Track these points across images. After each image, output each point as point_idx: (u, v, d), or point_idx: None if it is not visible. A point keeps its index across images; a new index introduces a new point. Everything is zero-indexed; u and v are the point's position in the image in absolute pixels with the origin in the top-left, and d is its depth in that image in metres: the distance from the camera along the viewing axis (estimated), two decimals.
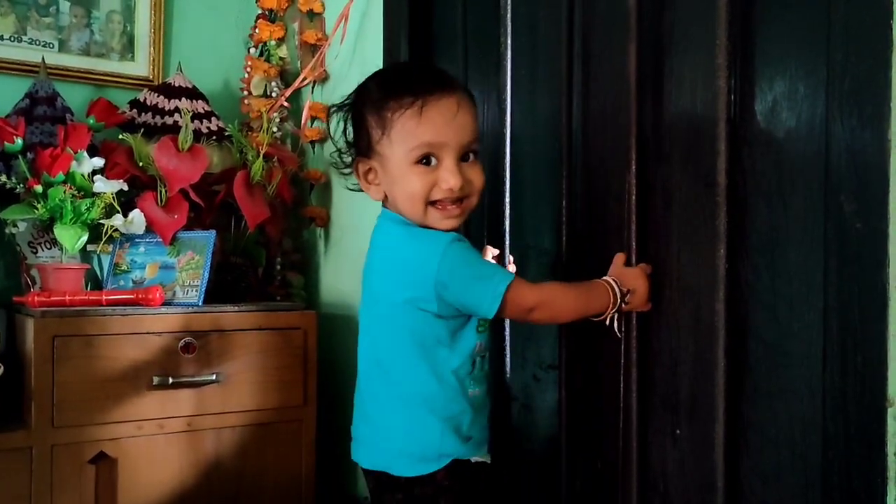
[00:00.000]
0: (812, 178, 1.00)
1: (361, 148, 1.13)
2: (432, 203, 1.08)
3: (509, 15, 1.42)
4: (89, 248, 1.73)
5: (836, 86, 0.96)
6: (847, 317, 0.94)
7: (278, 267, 2.01)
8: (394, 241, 1.12)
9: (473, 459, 1.14)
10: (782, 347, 1.04)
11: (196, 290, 1.65)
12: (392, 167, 1.09)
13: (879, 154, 0.90)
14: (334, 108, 1.18)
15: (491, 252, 1.36)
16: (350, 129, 1.16)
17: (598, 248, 1.30)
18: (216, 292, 1.73)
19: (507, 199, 1.45)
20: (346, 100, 1.17)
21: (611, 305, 1.13)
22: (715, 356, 1.09)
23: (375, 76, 1.17)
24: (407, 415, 1.10)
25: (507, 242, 1.45)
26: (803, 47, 1.02)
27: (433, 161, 1.07)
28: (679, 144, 1.17)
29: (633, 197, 1.19)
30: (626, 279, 1.16)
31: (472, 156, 1.11)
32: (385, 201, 1.15)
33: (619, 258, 1.20)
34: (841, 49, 0.96)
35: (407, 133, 1.06)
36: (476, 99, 1.57)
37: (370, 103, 1.10)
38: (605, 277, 1.16)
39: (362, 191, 1.17)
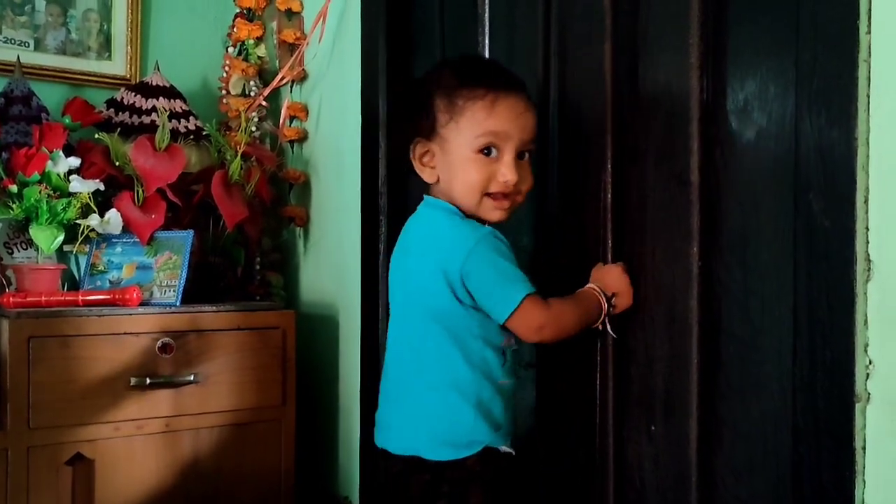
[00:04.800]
0: (782, 177, 1.01)
1: (423, 129, 1.17)
2: (487, 194, 1.14)
3: (487, 15, 1.43)
4: (66, 248, 1.72)
5: (805, 85, 0.98)
6: (816, 313, 0.96)
7: (257, 267, 2.00)
8: (435, 226, 1.16)
9: (502, 449, 1.17)
10: (754, 344, 1.05)
11: (174, 291, 1.64)
12: (453, 152, 1.14)
13: (846, 152, 0.91)
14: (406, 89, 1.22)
15: None
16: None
17: (575, 246, 1.31)
18: (195, 292, 1.72)
19: None
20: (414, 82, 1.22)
21: (603, 314, 1.16)
22: (689, 353, 1.10)
23: (450, 64, 1.23)
24: (440, 400, 1.13)
25: None
26: (773, 47, 1.03)
27: (494, 152, 1.13)
28: (653, 143, 1.18)
29: (609, 196, 1.20)
30: (609, 283, 1.18)
31: (527, 155, 1.17)
32: (434, 185, 1.19)
33: (598, 265, 1.22)
34: (809, 49, 0.97)
35: (476, 122, 1.12)
36: None
37: (442, 88, 1.15)
38: (590, 286, 1.18)
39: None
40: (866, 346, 0.89)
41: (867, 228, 0.89)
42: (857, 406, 0.89)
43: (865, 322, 0.89)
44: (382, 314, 1.70)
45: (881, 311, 0.88)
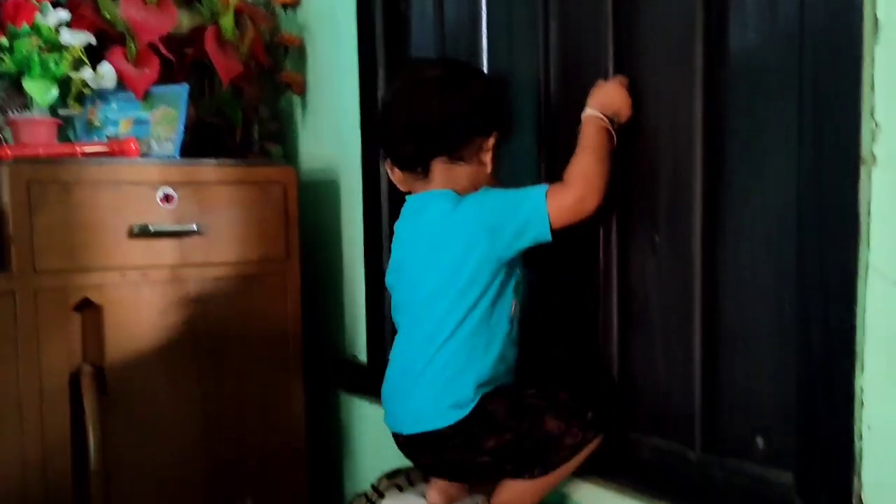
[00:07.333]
0: None
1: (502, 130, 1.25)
2: None
3: None
4: (61, 111, 1.70)
5: None
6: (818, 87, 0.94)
7: (256, 136, 1.98)
8: (454, 198, 1.20)
9: None
10: (757, 140, 1.05)
11: (172, 143, 1.63)
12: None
13: None
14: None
15: None
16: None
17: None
18: (193, 152, 1.71)
19: None
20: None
21: (615, 137, 1.17)
22: (692, 157, 1.10)
23: None
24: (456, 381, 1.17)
25: None
26: None
27: None
28: None
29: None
30: (607, 103, 1.17)
31: None
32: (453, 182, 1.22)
33: (598, 83, 1.20)
34: None
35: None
36: None
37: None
38: (591, 113, 1.16)
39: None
40: (872, 85, 0.87)
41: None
42: (863, 168, 0.88)
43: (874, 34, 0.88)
44: (383, 176, 1.69)
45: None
